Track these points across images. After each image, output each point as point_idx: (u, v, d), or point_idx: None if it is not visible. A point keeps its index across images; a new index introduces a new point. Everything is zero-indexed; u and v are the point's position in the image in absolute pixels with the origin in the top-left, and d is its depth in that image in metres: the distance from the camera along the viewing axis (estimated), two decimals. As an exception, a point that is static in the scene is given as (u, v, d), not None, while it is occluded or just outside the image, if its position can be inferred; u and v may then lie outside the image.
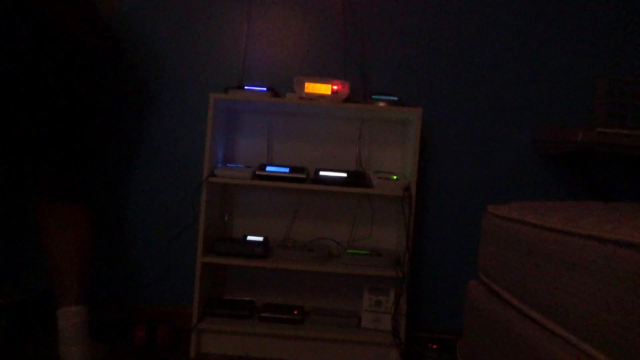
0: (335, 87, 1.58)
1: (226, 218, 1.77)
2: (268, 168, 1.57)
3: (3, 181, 1.34)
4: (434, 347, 1.60)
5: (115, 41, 1.47)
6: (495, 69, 1.77)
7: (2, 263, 1.78)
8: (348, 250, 1.62)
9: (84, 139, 1.40)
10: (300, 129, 1.77)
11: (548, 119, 1.76)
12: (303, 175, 1.56)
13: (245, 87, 1.59)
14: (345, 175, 1.56)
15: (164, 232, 1.78)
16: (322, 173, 1.56)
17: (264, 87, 1.60)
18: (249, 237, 1.61)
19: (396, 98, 1.61)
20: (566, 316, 0.65)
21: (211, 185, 1.58)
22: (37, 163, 1.30)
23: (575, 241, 0.66)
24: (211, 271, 1.68)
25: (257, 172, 1.56)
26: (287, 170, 1.56)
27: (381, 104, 1.59)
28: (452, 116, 1.78)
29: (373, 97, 1.62)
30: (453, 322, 1.77)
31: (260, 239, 1.60)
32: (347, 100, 1.62)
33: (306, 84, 1.59)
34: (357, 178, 1.56)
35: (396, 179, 1.55)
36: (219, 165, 1.64)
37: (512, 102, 1.77)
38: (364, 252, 1.60)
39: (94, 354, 1.29)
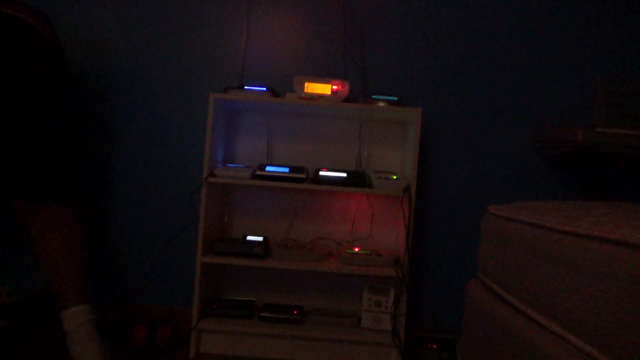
0: (335, 87, 1.58)
1: (226, 218, 1.77)
2: (268, 168, 1.57)
3: None
4: (434, 347, 1.60)
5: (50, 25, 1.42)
6: (495, 69, 1.77)
7: (2, 263, 1.78)
8: (348, 250, 1.62)
9: (59, 138, 1.35)
10: (300, 129, 1.77)
11: (548, 119, 1.76)
12: (303, 175, 1.55)
13: (245, 87, 1.59)
14: (345, 175, 1.56)
15: (164, 232, 1.78)
16: (322, 173, 1.56)
17: (263, 87, 1.60)
18: (249, 237, 1.61)
19: (396, 98, 1.61)
20: (566, 316, 0.65)
21: (211, 185, 1.58)
22: (15, 167, 1.27)
23: (575, 241, 0.66)
24: (211, 271, 1.68)
25: (257, 172, 1.56)
26: (287, 170, 1.56)
27: (381, 104, 1.59)
28: (452, 116, 1.78)
29: (373, 97, 1.62)
30: (453, 322, 1.77)
31: (260, 239, 1.60)
32: (347, 100, 1.62)
33: (306, 84, 1.59)
34: (357, 178, 1.56)
35: (396, 179, 1.55)
36: (219, 165, 1.64)
37: (512, 102, 1.77)
38: (364, 252, 1.60)
39: (106, 352, 1.29)
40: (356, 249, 1.64)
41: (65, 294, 1.27)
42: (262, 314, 1.59)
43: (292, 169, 1.57)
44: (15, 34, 1.23)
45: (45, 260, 1.28)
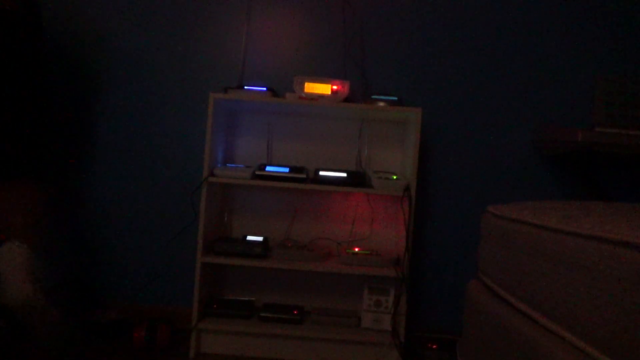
0: (335, 87, 1.58)
1: (226, 218, 1.77)
2: (268, 168, 1.57)
3: None
4: (434, 347, 1.60)
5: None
6: (495, 69, 1.77)
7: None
8: (348, 250, 1.62)
9: (26, 112, 1.30)
10: (300, 129, 1.77)
11: (548, 119, 1.76)
12: (303, 175, 1.56)
13: (245, 87, 1.59)
14: (345, 175, 1.56)
15: (164, 232, 1.78)
16: (322, 173, 1.56)
17: (263, 87, 1.60)
18: (249, 237, 1.61)
19: (396, 98, 1.61)
20: (566, 316, 0.65)
21: (211, 185, 1.58)
22: None
23: (575, 241, 0.66)
24: (211, 271, 1.68)
25: (257, 172, 1.56)
26: (287, 170, 1.56)
27: (381, 104, 1.59)
28: (452, 116, 1.78)
29: (373, 97, 1.62)
30: (453, 322, 1.77)
31: (260, 239, 1.60)
32: (347, 100, 1.62)
33: (306, 84, 1.59)
34: (357, 178, 1.56)
35: (396, 179, 1.55)
36: (219, 165, 1.64)
37: (512, 102, 1.77)
38: (364, 252, 1.60)
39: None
40: (356, 249, 1.64)
41: None
42: (262, 314, 1.59)
43: (292, 169, 1.57)
44: None
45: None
